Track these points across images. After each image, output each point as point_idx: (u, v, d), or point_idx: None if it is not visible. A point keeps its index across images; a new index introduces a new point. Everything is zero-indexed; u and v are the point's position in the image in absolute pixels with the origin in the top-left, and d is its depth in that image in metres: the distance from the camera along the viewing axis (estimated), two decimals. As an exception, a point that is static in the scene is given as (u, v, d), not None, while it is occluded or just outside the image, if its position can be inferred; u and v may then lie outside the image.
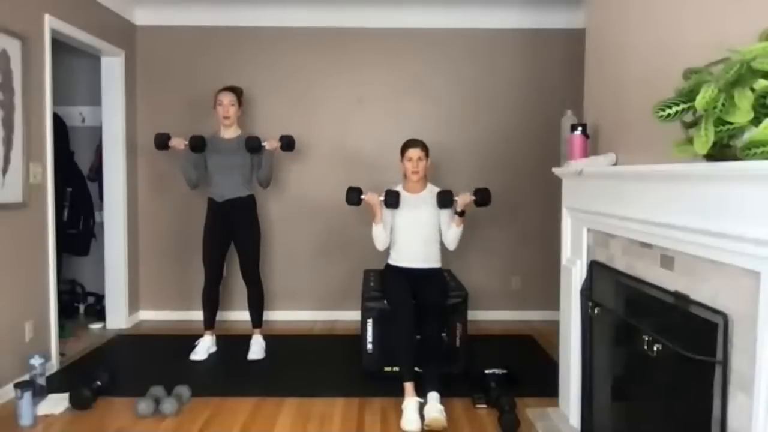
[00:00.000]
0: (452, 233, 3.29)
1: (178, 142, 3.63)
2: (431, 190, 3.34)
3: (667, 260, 1.83)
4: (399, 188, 3.36)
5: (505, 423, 2.66)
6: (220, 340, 3.86)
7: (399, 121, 4.52)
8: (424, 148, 3.30)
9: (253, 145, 3.58)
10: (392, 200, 3.23)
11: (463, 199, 3.23)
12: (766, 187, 1.30)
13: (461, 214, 3.25)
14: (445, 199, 3.23)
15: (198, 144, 3.60)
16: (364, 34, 4.55)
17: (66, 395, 2.92)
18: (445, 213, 3.31)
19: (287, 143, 3.69)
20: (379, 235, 3.29)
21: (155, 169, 4.57)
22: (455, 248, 3.36)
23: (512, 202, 4.61)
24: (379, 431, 2.71)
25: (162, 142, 3.65)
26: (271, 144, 3.63)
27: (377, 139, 4.54)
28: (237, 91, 3.71)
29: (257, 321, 3.82)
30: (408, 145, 3.31)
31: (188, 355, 3.64)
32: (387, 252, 3.39)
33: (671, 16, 2.06)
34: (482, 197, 3.25)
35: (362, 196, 3.28)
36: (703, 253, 1.59)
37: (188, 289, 4.44)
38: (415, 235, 3.29)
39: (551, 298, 3.56)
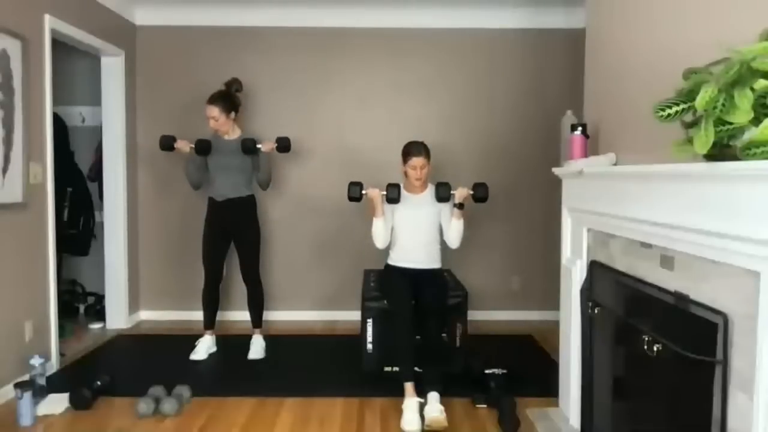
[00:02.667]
0: (453, 229, 3.25)
1: (184, 145, 3.64)
2: (431, 191, 3.33)
3: (667, 260, 1.83)
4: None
5: (505, 423, 2.66)
6: (220, 340, 3.86)
7: (399, 121, 4.52)
8: (427, 154, 3.26)
9: (248, 147, 3.58)
10: (394, 195, 3.21)
11: (461, 193, 3.22)
12: (766, 187, 1.30)
13: (460, 206, 3.23)
14: (442, 192, 3.21)
15: (204, 147, 3.59)
16: (365, 34, 4.55)
17: (66, 395, 2.92)
18: (446, 211, 3.30)
19: (283, 145, 3.69)
20: (380, 231, 3.25)
21: (155, 169, 4.57)
22: (458, 246, 3.31)
23: (512, 202, 4.61)
24: (379, 431, 2.71)
25: (167, 143, 3.66)
26: (266, 146, 3.63)
27: (377, 139, 4.54)
28: (224, 97, 3.60)
29: (257, 321, 3.82)
30: (411, 152, 3.24)
31: (188, 355, 3.64)
32: (387, 252, 3.39)
33: (671, 15, 2.06)
34: (480, 192, 3.25)
35: (364, 191, 3.27)
36: (703, 253, 1.59)
37: (188, 289, 4.43)
38: (416, 234, 3.28)
39: (551, 298, 3.56)
